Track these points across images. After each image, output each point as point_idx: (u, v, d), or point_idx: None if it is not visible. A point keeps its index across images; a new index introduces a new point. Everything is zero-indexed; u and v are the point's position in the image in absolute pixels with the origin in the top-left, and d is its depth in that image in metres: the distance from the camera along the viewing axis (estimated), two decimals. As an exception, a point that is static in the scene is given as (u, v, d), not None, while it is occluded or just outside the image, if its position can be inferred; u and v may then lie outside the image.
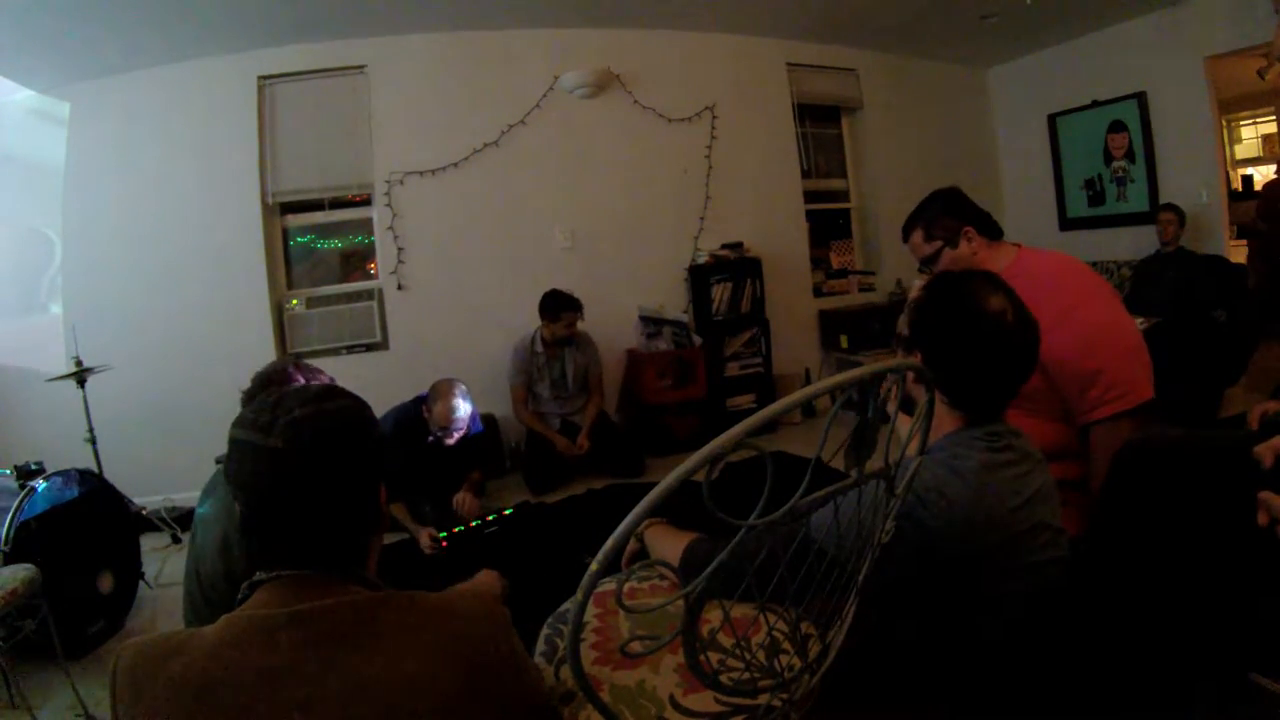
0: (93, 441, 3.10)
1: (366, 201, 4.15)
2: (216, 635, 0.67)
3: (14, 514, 2.12)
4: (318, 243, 4.27)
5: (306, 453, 0.70)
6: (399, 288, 4.05)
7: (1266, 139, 7.30)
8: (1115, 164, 5.08)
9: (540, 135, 4.22)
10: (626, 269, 4.41)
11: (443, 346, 4.04)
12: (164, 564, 2.98)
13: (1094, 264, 4.76)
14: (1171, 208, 4.35)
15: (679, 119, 4.49)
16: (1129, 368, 1.45)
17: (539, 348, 3.71)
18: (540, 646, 1.08)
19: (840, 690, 0.97)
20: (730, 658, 0.85)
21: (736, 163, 4.62)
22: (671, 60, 4.49)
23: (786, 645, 0.88)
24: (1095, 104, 5.09)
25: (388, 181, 4.01)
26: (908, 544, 0.98)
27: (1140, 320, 3.23)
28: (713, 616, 0.96)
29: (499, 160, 4.15)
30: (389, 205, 4.02)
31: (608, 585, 1.08)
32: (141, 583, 2.63)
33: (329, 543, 0.73)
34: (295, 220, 4.14)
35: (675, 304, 4.49)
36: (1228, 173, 5.68)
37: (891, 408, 0.85)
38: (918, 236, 1.71)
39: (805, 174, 5.01)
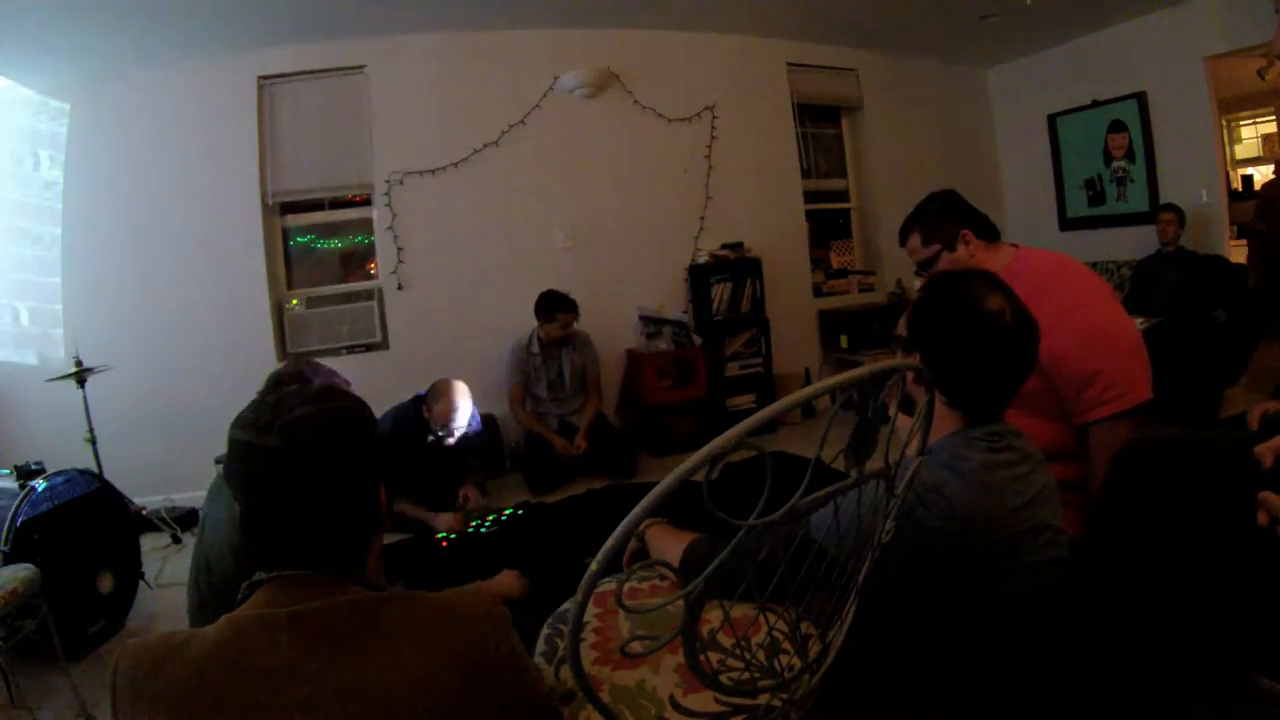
0: (93, 441, 3.10)
1: (366, 201, 4.15)
2: (217, 635, 0.67)
3: (14, 514, 2.12)
4: (318, 243, 4.27)
5: (306, 453, 0.70)
6: (399, 288, 4.05)
7: (1266, 139, 7.31)
8: (1115, 164, 5.08)
9: (540, 135, 4.22)
10: (626, 269, 4.41)
11: (442, 346, 4.04)
12: (164, 564, 2.98)
13: (1094, 264, 4.76)
14: (1171, 208, 4.35)
15: (679, 119, 4.49)
16: (1127, 368, 1.45)
17: (536, 348, 3.71)
18: (540, 646, 1.08)
19: (840, 690, 0.97)
20: (730, 658, 0.85)
21: (736, 163, 4.62)
22: (671, 60, 4.49)
23: (786, 645, 0.88)
24: (1095, 104, 5.09)
25: (388, 181, 4.01)
26: (908, 544, 0.98)
27: (1140, 320, 3.23)
28: (713, 616, 0.96)
29: (499, 160, 4.15)
30: (389, 205, 4.02)
31: (608, 585, 1.08)
32: (141, 583, 2.63)
33: (329, 543, 0.73)
34: (295, 220, 4.14)
35: (675, 304, 4.49)
36: (1228, 173, 5.68)
37: (892, 408, 0.85)
38: (915, 240, 1.70)
39: (805, 174, 5.01)
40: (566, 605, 1.16)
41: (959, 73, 5.67)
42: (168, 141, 3.81)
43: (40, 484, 2.27)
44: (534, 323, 3.71)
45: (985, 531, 1.00)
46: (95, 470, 2.85)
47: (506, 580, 1.36)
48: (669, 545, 1.16)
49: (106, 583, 2.41)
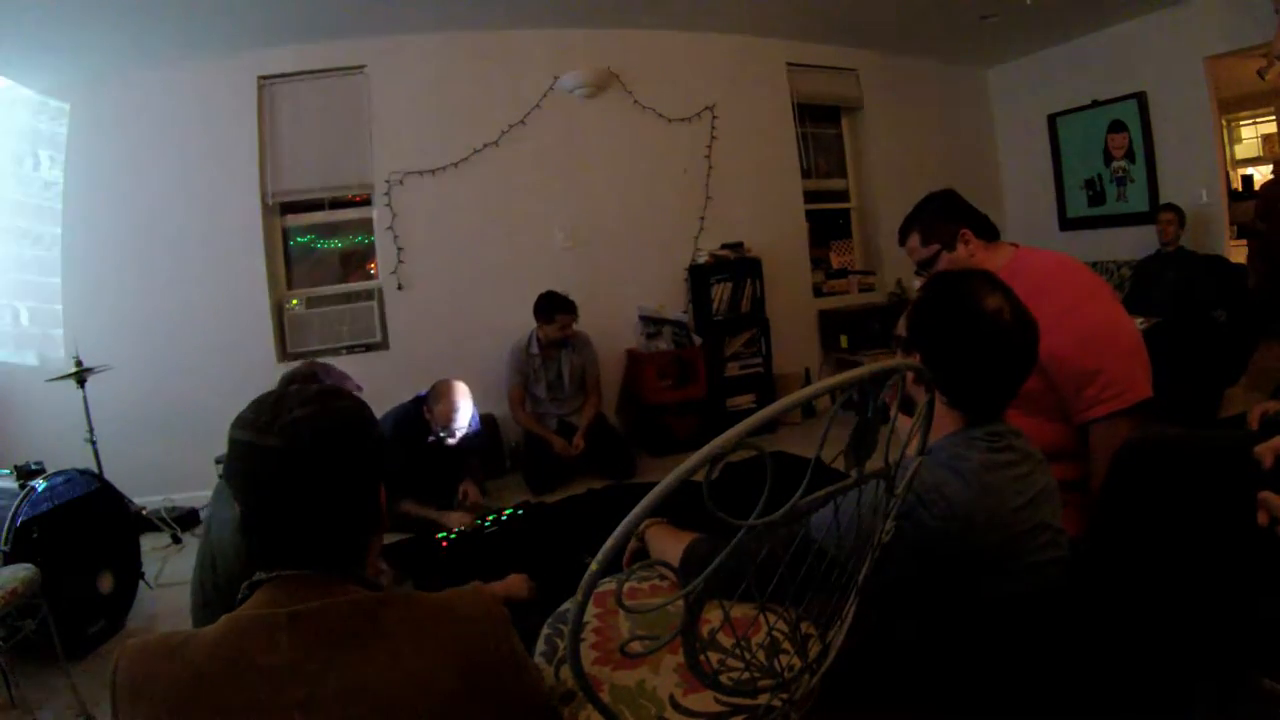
0: (93, 441, 3.10)
1: (366, 201, 4.15)
2: (216, 635, 0.67)
3: (14, 514, 2.12)
4: (318, 243, 4.27)
5: (305, 453, 0.70)
6: (399, 288, 4.05)
7: (1266, 139, 7.31)
8: (1115, 164, 5.08)
9: (540, 135, 4.22)
10: (626, 269, 4.40)
11: (442, 346, 4.04)
12: (164, 564, 2.98)
13: (1094, 264, 4.76)
14: (1171, 208, 4.35)
15: (679, 119, 4.49)
16: (1127, 367, 1.45)
17: (535, 349, 3.71)
18: (540, 646, 1.08)
19: (840, 690, 0.97)
20: (730, 658, 0.85)
21: (736, 163, 4.62)
22: (671, 60, 4.49)
23: (786, 645, 0.88)
24: (1095, 104, 5.09)
25: (387, 181, 4.01)
26: (908, 544, 0.98)
27: (1140, 320, 3.22)
28: (713, 616, 0.95)
29: (499, 160, 4.15)
30: (389, 205, 4.02)
31: (608, 585, 1.08)
32: (141, 583, 2.63)
33: (329, 543, 0.73)
34: (295, 220, 4.14)
35: (675, 304, 4.49)
36: (1228, 173, 5.68)
37: (892, 408, 0.85)
38: (914, 240, 1.70)
39: (805, 174, 5.01)
40: (566, 605, 1.16)
41: (959, 73, 5.67)
42: (168, 141, 3.81)
43: (40, 484, 2.26)
44: (534, 323, 3.71)
45: (985, 532, 1.00)
46: (95, 470, 2.85)
47: (514, 583, 1.36)
48: (669, 545, 1.16)
49: (106, 583, 2.40)
